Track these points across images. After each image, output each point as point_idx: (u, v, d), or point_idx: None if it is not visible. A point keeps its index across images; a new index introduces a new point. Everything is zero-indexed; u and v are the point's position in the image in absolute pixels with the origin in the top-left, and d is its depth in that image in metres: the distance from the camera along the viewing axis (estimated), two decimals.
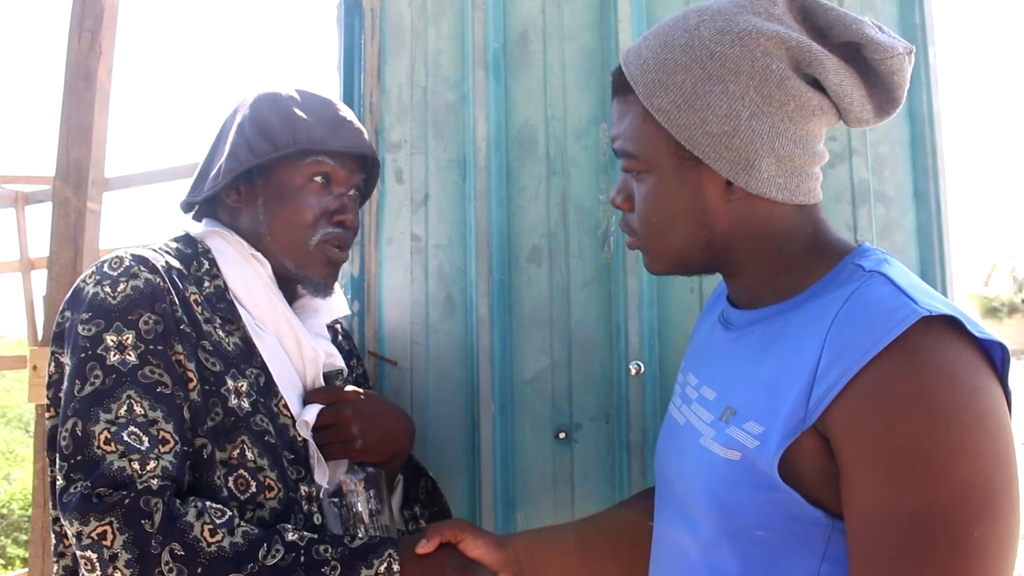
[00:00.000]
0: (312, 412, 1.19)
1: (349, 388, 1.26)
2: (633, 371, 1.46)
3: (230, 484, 1.08)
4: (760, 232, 0.92)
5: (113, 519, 0.95)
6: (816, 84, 0.89)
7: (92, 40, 2.70)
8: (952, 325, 0.77)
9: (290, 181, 1.21)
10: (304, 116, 1.20)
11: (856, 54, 0.89)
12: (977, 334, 0.77)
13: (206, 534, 0.98)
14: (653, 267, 1.01)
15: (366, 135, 1.27)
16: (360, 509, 1.19)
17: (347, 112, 1.26)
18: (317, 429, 1.20)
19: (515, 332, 1.53)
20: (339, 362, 1.29)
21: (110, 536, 0.95)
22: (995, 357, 0.78)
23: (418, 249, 1.61)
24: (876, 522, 0.74)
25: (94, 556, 0.95)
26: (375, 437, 1.24)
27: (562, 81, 1.57)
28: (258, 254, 1.21)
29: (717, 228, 0.93)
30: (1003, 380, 0.78)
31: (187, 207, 1.30)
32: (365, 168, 1.30)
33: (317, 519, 1.16)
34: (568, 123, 1.55)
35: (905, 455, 0.73)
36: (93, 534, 0.95)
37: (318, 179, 1.22)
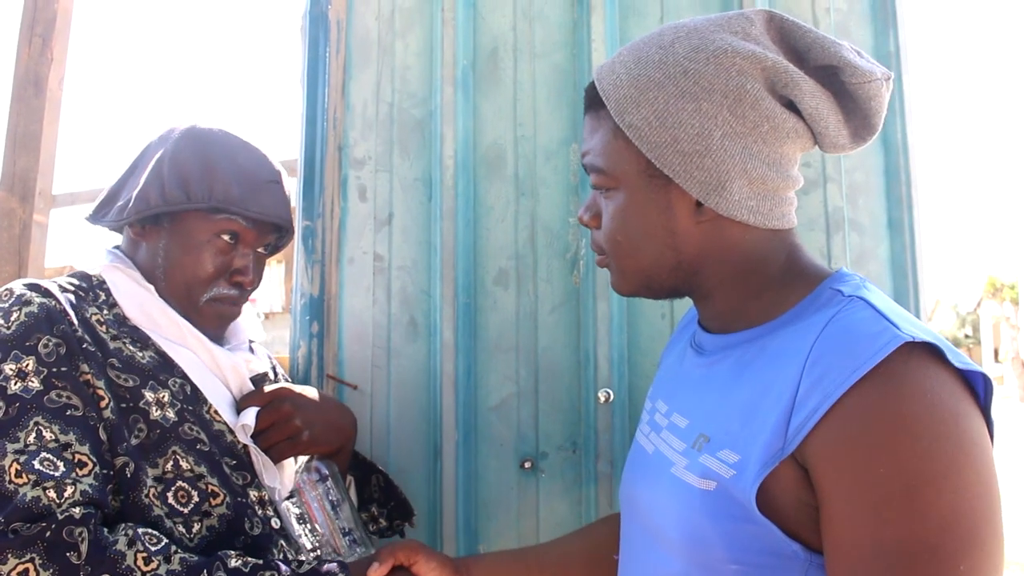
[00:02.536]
0: (250, 415, 1.15)
1: (281, 385, 1.23)
2: (602, 399, 1.42)
3: (170, 499, 1.03)
4: (730, 256, 0.90)
5: (35, 555, 0.89)
6: (791, 106, 0.87)
7: (43, 46, 2.60)
8: (934, 353, 0.74)
9: (196, 233, 1.17)
10: (226, 171, 1.16)
11: (833, 78, 0.87)
12: (958, 364, 0.74)
13: (140, 563, 0.93)
14: (620, 287, 0.98)
15: (290, 199, 1.25)
16: (318, 507, 1.17)
17: (274, 173, 1.23)
18: (258, 433, 1.16)
19: (480, 357, 1.49)
20: (262, 367, 1.26)
21: (32, 573, 0.89)
22: (977, 387, 0.76)
23: (381, 270, 1.56)
24: (857, 556, 0.71)
25: None
26: (320, 427, 1.21)
27: (532, 100, 1.53)
28: (151, 287, 1.17)
29: (685, 250, 0.90)
30: (985, 410, 0.76)
31: (93, 221, 1.26)
32: (280, 227, 1.26)
33: (275, 523, 1.13)
34: (538, 143, 1.52)
35: (888, 486, 0.70)
36: (13, 573, 0.89)
37: (226, 237, 1.18)
